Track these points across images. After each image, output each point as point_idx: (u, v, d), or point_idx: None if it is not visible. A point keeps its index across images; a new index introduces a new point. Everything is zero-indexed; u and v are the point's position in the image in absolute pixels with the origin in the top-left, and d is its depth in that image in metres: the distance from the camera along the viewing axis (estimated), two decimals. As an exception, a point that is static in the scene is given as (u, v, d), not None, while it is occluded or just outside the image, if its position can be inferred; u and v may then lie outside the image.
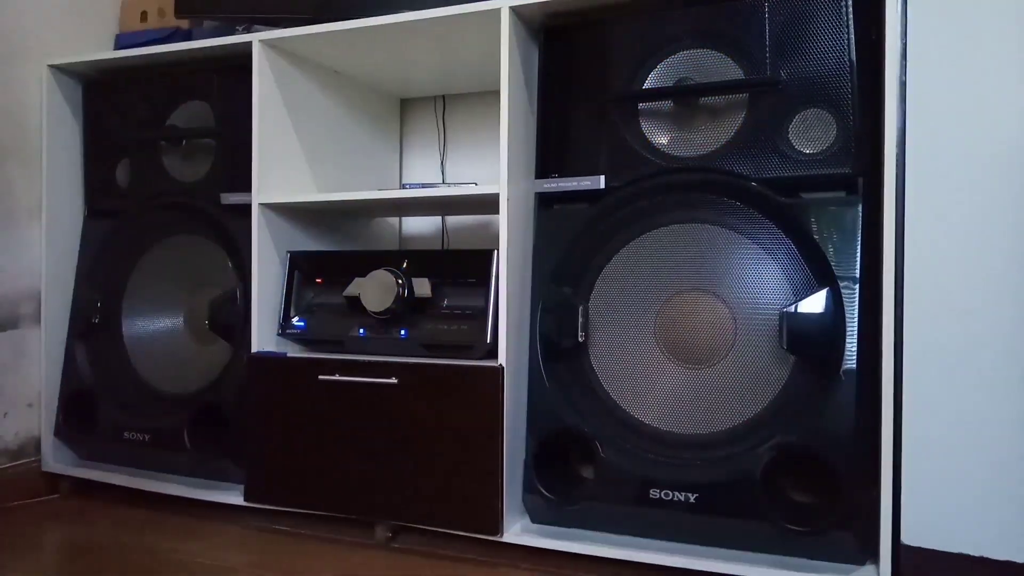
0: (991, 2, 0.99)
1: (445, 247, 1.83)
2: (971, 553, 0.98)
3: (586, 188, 1.25)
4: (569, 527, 1.24)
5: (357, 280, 1.37)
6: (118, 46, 1.75)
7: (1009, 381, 0.97)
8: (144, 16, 1.76)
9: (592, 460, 1.20)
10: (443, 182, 1.82)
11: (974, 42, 1.00)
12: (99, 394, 1.57)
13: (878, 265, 1.06)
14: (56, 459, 1.63)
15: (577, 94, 1.27)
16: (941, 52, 1.02)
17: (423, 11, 1.29)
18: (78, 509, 1.53)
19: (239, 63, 1.48)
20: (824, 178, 1.12)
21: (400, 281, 1.33)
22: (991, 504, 0.98)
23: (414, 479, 1.27)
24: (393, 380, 1.29)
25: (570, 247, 1.26)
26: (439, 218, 1.85)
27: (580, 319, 1.23)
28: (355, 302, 1.37)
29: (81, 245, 1.66)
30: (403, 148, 1.90)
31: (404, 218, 1.90)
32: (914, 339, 1.03)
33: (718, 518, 1.11)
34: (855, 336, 1.07)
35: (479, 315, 1.30)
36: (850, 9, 1.10)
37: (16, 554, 1.29)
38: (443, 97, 1.84)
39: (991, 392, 0.98)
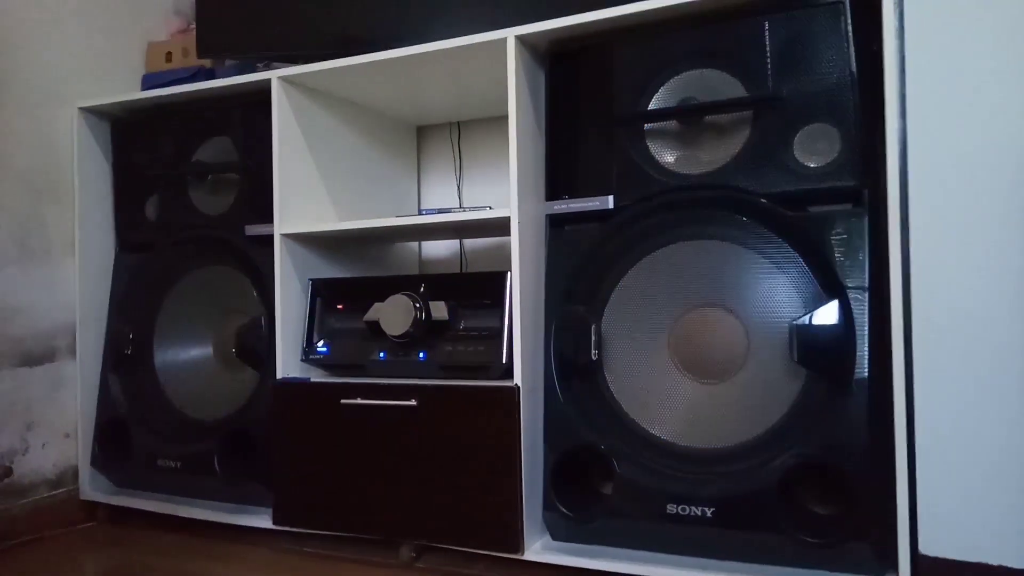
0: (988, 13, 1.00)
1: (463, 270, 1.87)
2: (990, 562, 0.98)
3: (595, 208, 1.28)
4: (589, 544, 1.25)
5: (376, 305, 1.40)
6: (145, 86, 1.82)
7: None
8: (169, 56, 1.83)
9: (609, 476, 1.21)
10: (460, 206, 1.85)
11: (973, 52, 1.01)
12: (133, 423, 1.62)
13: (884, 275, 1.07)
14: (93, 487, 1.68)
15: (584, 117, 1.30)
16: (941, 62, 1.03)
17: (432, 43, 1.33)
18: (114, 536, 1.58)
19: (259, 99, 1.53)
20: (830, 191, 1.13)
21: (418, 305, 1.37)
22: (1009, 512, 0.97)
23: (435, 499, 1.30)
24: (412, 402, 1.32)
25: (582, 267, 1.29)
26: (457, 242, 1.89)
27: (594, 337, 1.25)
28: (375, 326, 1.40)
29: (113, 279, 1.72)
30: (421, 174, 1.94)
31: (424, 242, 1.94)
32: (928, 348, 1.04)
33: (736, 532, 1.12)
34: (865, 347, 1.08)
35: (495, 336, 1.32)
36: (849, 23, 1.12)
37: (55, 580, 1.34)
38: (458, 124, 1.88)
39: (1007, 400, 0.98)
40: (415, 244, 1.93)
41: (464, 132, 1.88)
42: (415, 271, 1.94)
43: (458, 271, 1.87)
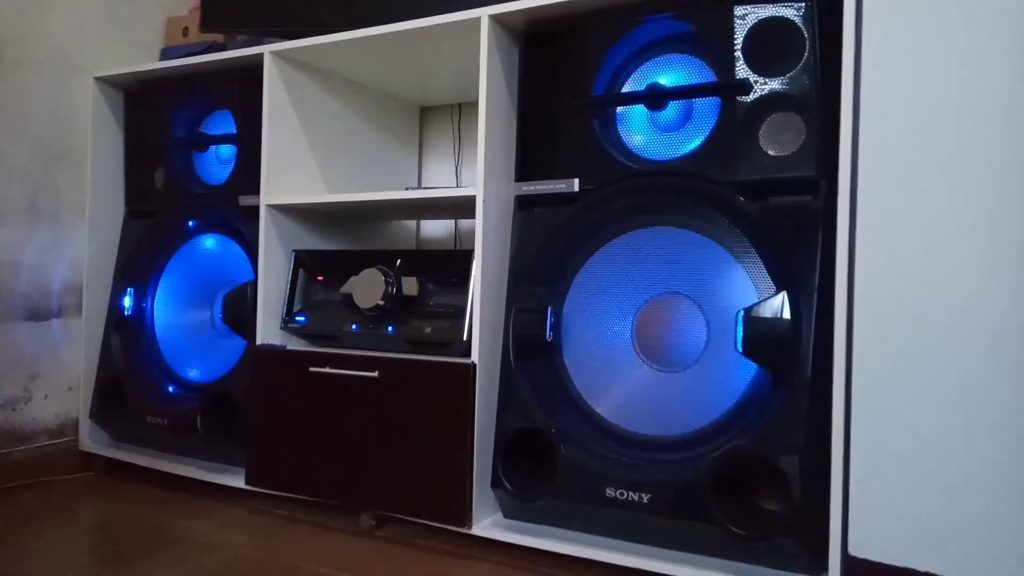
0: (946, 5, 0.96)
1: (457, 248, 1.88)
2: (917, 568, 0.95)
3: (561, 191, 1.28)
4: (538, 523, 1.26)
5: (352, 279, 1.43)
6: (163, 59, 1.88)
7: (961, 395, 0.94)
8: (186, 31, 1.89)
9: (556, 457, 1.22)
10: (457, 186, 1.87)
11: (930, 44, 0.98)
12: (129, 380, 1.69)
13: (832, 270, 1.05)
14: (92, 439, 1.76)
15: (555, 98, 1.30)
16: (897, 54, 1.00)
17: (405, 23, 1.35)
18: (106, 486, 1.65)
19: (257, 73, 1.57)
20: (791, 181, 1.11)
21: (390, 280, 1.39)
22: (938, 519, 0.94)
23: (392, 470, 1.33)
24: (375, 374, 1.35)
25: (545, 248, 1.29)
26: (453, 221, 1.91)
27: (550, 319, 1.26)
28: (350, 299, 1.43)
29: (120, 242, 1.80)
30: (423, 154, 1.96)
31: (423, 222, 1.96)
32: (870, 349, 1.01)
33: (669, 520, 1.11)
34: (811, 342, 1.06)
35: (459, 314, 1.34)
36: (815, 13, 1.09)
37: (42, 525, 1.41)
38: (459, 105, 1.90)
39: (945, 406, 0.95)
40: (413, 223, 1.96)
41: (465, 113, 1.89)
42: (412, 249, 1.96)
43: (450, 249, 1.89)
